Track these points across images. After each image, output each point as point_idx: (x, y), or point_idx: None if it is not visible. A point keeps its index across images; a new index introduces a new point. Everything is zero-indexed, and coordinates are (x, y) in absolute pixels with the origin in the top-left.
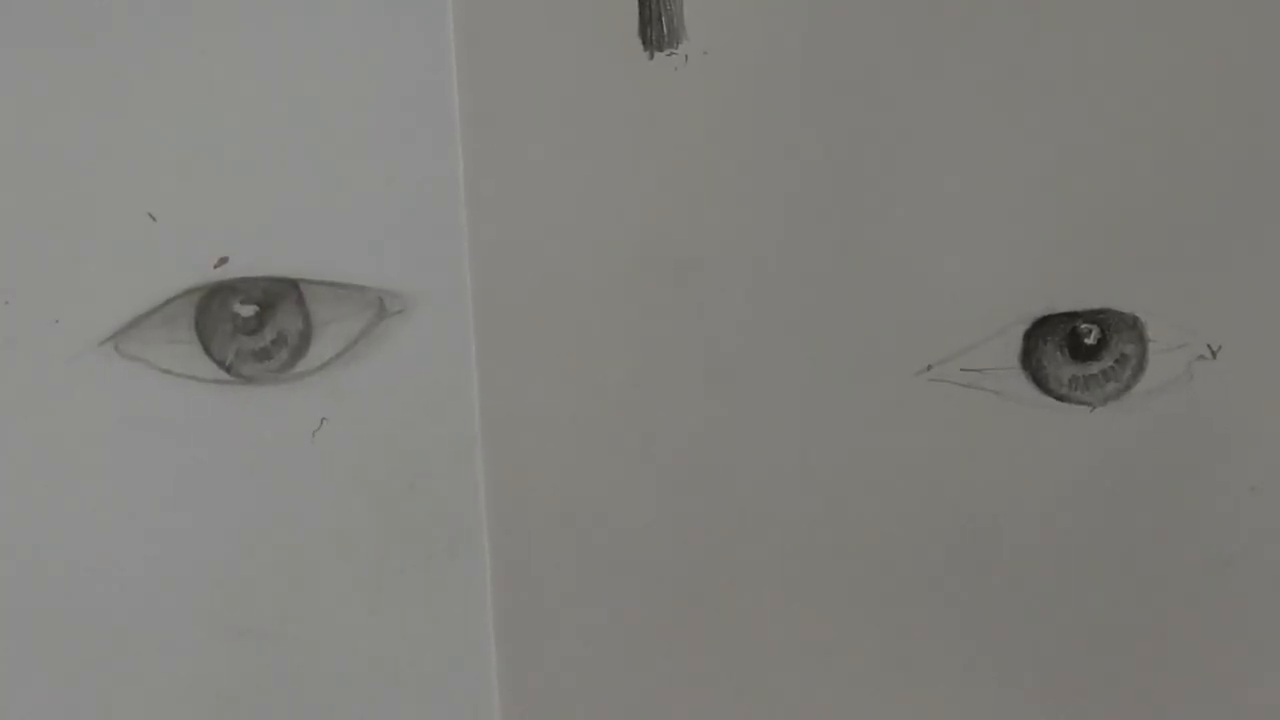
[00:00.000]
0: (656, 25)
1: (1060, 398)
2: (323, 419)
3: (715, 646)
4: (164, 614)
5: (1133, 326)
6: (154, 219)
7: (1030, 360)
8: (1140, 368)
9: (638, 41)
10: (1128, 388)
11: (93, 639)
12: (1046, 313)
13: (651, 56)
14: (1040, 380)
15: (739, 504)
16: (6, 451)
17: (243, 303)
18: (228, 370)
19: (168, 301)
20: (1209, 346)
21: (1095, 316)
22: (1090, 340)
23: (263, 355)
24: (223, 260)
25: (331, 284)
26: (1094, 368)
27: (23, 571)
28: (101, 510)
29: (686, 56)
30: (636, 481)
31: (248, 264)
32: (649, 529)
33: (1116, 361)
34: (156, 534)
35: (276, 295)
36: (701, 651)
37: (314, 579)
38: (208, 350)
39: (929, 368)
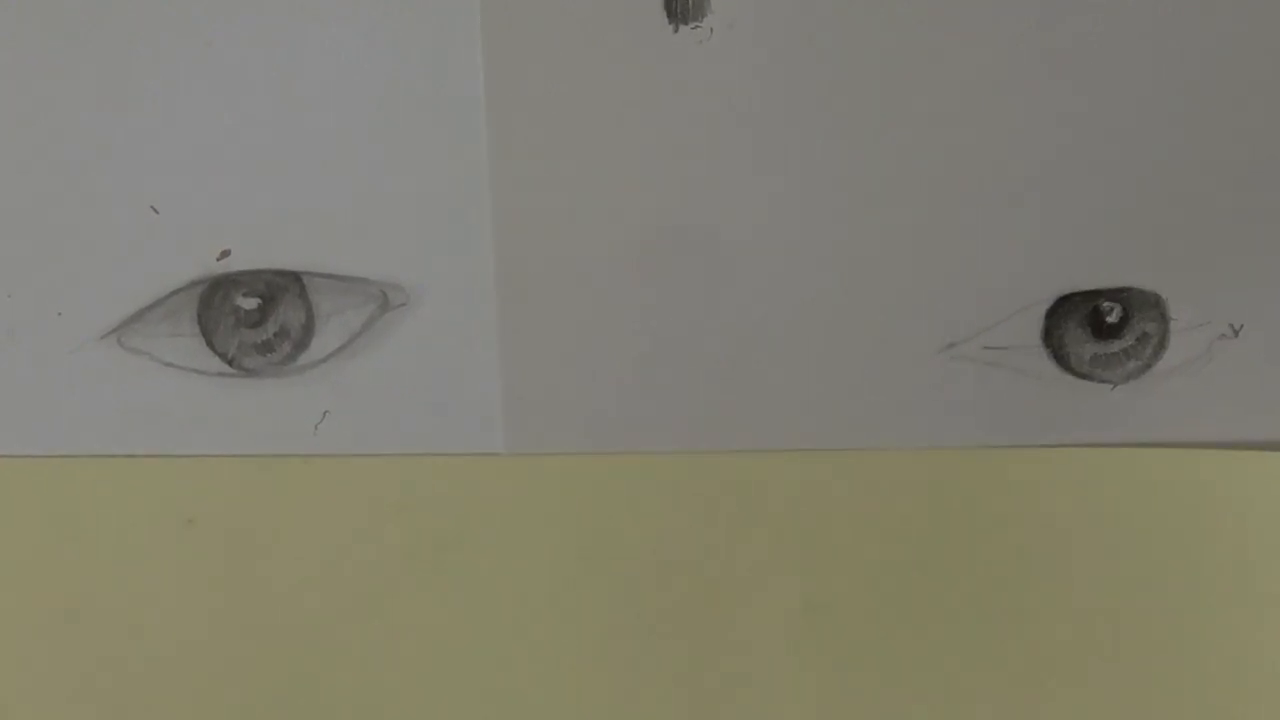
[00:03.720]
0: None
1: (1081, 376)
2: (325, 412)
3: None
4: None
5: (1154, 305)
6: (156, 212)
7: (1052, 338)
8: (1161, 346)
9: (663, 15)
10: (1149, 366)
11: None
12: (1068, 291)
13: (676, 30)
14: (1062, 359)
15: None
16: (9, 445)
17: (245, 296)
18: (230, 363)
19: (170, 294)
20: (1230, 325)
21: (1117, 295)
22: (1112, 319)
23: (265, 348)
24: (225, 253)
25: (334, 277)
26: (1115, 346)
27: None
28: None
29: (712, 30)
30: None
31: (250, 257)
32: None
33: (1138, 340)
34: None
35: (279, 288)
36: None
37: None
38: (210, 343)
39: (951, 346)
